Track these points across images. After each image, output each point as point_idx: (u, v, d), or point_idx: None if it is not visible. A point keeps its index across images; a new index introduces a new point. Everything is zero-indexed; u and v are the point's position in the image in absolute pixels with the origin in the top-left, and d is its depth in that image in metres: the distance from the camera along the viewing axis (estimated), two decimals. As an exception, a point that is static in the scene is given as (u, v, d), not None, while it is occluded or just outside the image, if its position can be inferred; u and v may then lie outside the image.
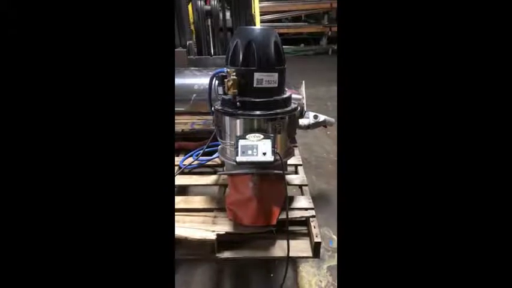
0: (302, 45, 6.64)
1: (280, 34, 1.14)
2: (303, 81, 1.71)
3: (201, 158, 1.48)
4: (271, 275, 1.53)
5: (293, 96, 1.23)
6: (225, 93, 1.07)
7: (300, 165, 1.56)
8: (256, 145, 1.02)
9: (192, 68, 1.77)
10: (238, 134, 1.11)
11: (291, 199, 1.29)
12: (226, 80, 1.03)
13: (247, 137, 1.03)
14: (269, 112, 1.07)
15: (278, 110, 1.09)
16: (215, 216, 1.20)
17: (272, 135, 1.03)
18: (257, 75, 1.04)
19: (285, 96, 1.13)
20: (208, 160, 1.49)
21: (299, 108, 1.18)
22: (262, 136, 1.03)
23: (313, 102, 3.58)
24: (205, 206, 1.25)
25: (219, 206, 1.25)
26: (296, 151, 1.66)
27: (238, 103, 1.06)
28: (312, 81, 4.21)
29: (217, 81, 1.09)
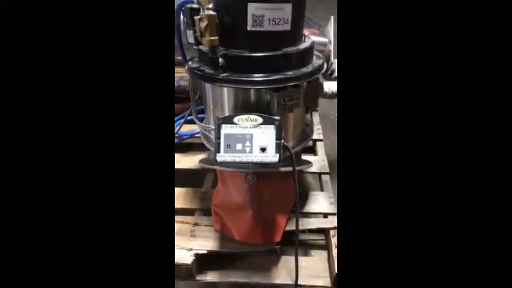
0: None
1: None
2: (332, 17, 1.18)
3: (182, 131, 1.08)
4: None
5: (315, 39, 0.76)
6: (197, 42, 0.62)
7: (320, 140, 1.14)
8: (250, 135, 0.61)
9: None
10: (222, 112, 0.69)
11: (305, 197, 0.91)
12: (197, 18, 0.57)
13: (235, 120, 0.61)
14: (275, 77, 0.62)
15: (290, 73, 0.64)
16: (196, 223, 0.85)
17: (278, 118, 0.61)
18: (253, 9, 0.57)
19: (303, 46, 0.67)
20: (192, 135, 1.09)
21: (325, 65, 0.73)
22: (260, 119, 0.61)
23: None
24: (184, 206, 0.90)
25: (202, 204, 0.90)
26: (315, 118, 1.23)
27: (220, 60, 0.62)
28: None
29: (185, 20, 0.63)
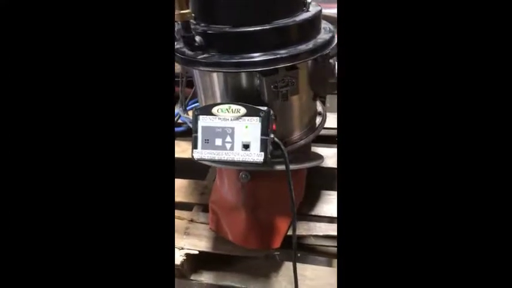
0: None
1: None
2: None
3: (184, 117, 1.00)
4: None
5: (325, 11, 0.61)
6: (171, 18, 0.52)
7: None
8: (231, 129, 0.51)
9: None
10: (214, 101, 0.60)
11: (316, 197, 0.79)
12: (163, -14, 0.47)
13: (214, 110, 0.52)
14: (260, 58, 0.50)
15: (282, 52, 0.51)
16: (191, 220, 0.79)
17: (264, 108, 0.50)
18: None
19: (302, 17, 0.53)
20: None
21: (335, 41, 0.58)
22: (243, 110, 0.51)
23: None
24: (182, 199, 0.84)
25: (201, 199, 0.83)
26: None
27: (197, 38, 0.51)
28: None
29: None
